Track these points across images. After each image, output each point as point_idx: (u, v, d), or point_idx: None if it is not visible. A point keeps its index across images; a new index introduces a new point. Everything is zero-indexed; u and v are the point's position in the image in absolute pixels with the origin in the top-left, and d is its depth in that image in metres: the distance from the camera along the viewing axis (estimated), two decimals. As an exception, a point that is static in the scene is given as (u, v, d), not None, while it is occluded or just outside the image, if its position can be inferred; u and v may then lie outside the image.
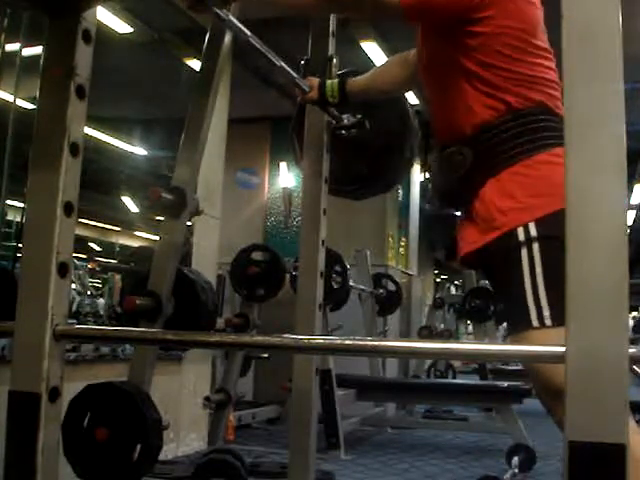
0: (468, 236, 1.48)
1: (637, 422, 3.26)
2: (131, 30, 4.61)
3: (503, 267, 1.40)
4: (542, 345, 1.14)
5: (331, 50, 2.09)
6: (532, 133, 1.40)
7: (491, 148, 1.43)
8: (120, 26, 4.53)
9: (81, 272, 6.15)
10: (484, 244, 1.43)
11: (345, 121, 2.05)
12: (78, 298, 5.82)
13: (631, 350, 0.76)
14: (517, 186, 1.38)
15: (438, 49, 1.53)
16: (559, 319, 1.24)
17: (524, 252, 1.34)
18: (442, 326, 7.16)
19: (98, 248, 12.94)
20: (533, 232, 1.33)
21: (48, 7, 1.16)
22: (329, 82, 1.90)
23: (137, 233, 13.12)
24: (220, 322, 3.45)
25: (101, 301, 6.55)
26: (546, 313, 1.29)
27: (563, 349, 0.77)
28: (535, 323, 1.30)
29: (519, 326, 1.35)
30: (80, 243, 10.53)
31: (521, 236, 1.35)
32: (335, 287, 4.19)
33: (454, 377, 7.26)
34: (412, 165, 2.27)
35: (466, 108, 1.46)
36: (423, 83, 1.65)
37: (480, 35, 1.42)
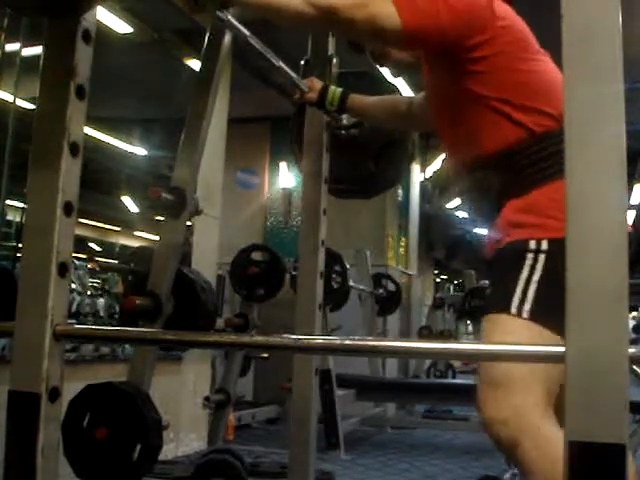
0: (489, 249, 1.53)
1: (637, 422, 3.25)
2: (131, 30, 4.61)
3: (504, 261, 1.44)
4: (537, 341, 1.17)
5: (331, 50, 2.09)
6: (557, 155, 1.39)
7: (517, 171, 1.44)
8: (120, 26, 4.53)
9: (81, 272, 6.14)
10: (495, 253, 1.48)
11: (344, 121, 2.05)
12: (78, 298, 5.82)
13: (631, 350, 0.76)
14: (537, 206, 1.41)
15: (445, 80, 1.54)
16: (535, 317, 1.30)
17: (530, 255, 1.37)
18: (442, 326, 7.16)
19: (98, 248, 12.94)
20: (544, 246, 1.36)
21: (48, 8, 1.16)
22: (332, 89, 1.90)
23: (137, 233, 13.12)
24: (220, 322, 3.45)
25: (101, 301, 6.54)
26: (527, 307, 1.32)
27: (563, 349, 0.77)
28: (513, 310, 1.32)
29: (495, 307, 1.38)
30: (80, 243, 10.53)
31: (532, 245, 1.37)
32: (335, 287, 4.19)
33: (454, 377, 7.25)
34: (414, 157, 2.29)
35: (487, 134, 1.47)
36: (433, 114, 1.66)
37: (486, 58, 1.44)
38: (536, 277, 1.34)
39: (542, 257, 1.36)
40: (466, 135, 1.53)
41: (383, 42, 1.68)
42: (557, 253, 1.29)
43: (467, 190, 1.60)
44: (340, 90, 1.90)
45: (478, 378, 1.37)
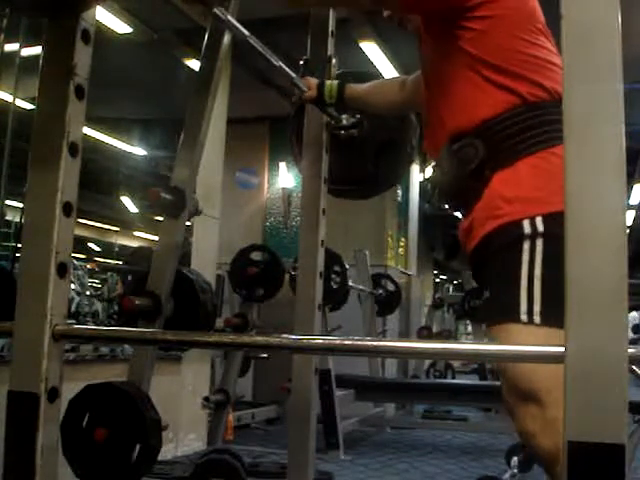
0: (472, 232, 1.41)
1: (637, 422, 3.23)
2: (130, 30, 4.61)
3: (499, 254, 1.32)
4: (536, 345, 1.15)
5: (330, 50, 2.10)
6: (548, 124, 1.33)
7: (504, 140, 1.36)
8: (119, 26, 4.53)
9: (80, 272, 6.14)
10: (485, 234, 1.36)
11: (344, 121, 2.05)
12: (77, 298, 5.82)
13: (631, 350, 0.76)
14: (527, 176, 1.32)
15: (441, 41, 1.46)
16: (548, 320, 1.20)
17: (526, 244, 1.27)
18: (442, 326, 7.16)
19: (97, 248, 12.94)
20: (540, 227, 1.27)
21: (47, 8, 1.16)
22: (329, 82, 1.92)
23: (136, 233, 13.12)
24: (219, 322, 3.45)
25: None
26: (537, 309, 1.23)
27: (562, 349, 0.77)
28: (523, 318, 1.23)
29: (503, 315, 1.28)
30: (79, 243, 10.53)
31: (527, 229, 1.28)
32: (334, 287, 4.18)
33: (453, 377, 7.26)
34: (413, 160, 2.27)
35: (475, 100, 1.39)
36: (424, 87, 1.59)
37: (485, 18, 1.38)
38: (538, 271, 1.24)
39: (540, 243, 1.26)
40: (453, 105, 1.44)
41: (383, 6, 1.62)
42: (554, 235, 1.16)
43: (445, 168, 1.46)
44: (337, 82, 1.91)
45: (503, 386, 1.29)
